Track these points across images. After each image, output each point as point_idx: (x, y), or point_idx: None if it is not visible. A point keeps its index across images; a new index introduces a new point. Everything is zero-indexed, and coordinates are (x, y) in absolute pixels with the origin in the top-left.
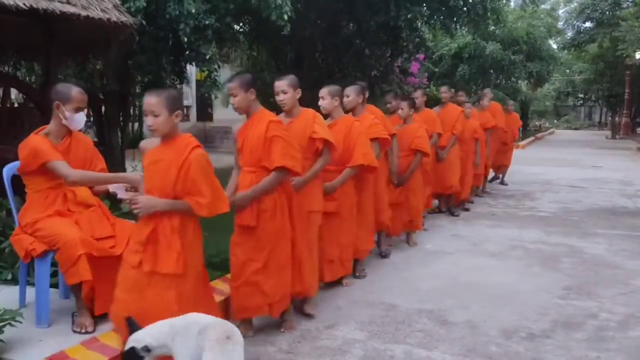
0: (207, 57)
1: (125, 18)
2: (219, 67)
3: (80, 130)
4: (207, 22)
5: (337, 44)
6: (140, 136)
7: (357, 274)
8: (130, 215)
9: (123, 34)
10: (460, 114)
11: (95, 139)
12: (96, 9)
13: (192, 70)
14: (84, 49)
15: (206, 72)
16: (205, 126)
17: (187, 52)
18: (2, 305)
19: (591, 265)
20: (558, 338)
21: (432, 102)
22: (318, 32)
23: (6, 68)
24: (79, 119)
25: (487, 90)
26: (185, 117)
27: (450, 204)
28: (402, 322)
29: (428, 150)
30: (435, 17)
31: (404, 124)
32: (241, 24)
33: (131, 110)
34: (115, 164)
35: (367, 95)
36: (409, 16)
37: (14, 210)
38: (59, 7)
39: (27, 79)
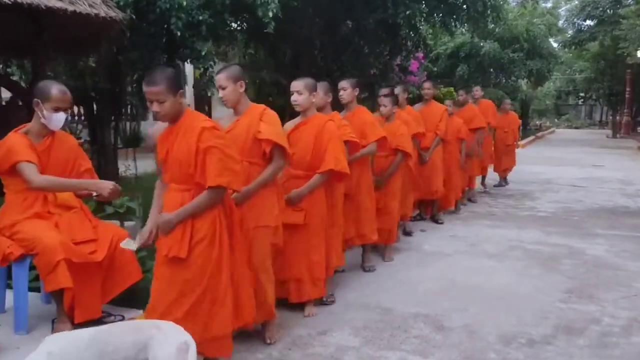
0: (203, 53)
1: (115, 13)
2: (214, 63)
3: (72, 129)
4: (201, 18)
5: (336, 42)
6: (138, 135)
7: (325, 299)
8: (114, 216)
9: (113, 29)
10: (444, 112)
11: (88, 138)
12: (83, 3)
13: (190, 69)
14: (74, 46)
15: (202, 70)
16: None
17: (182, 49)
18: None
19: (592, 267)
20: (559, 344)
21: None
22: (316, 30)
23: None
24: (58, 119)
25: (477, 88)
26: None
27: (435, 210)
28: (398, 327)
29: (410, 150)
30: (435, 14)
31: (385, 121)
32: (238, 22)
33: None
34: (108, 163)
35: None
36: (407, 13)
37: None
38: (44, 1)
39: (22, 77)
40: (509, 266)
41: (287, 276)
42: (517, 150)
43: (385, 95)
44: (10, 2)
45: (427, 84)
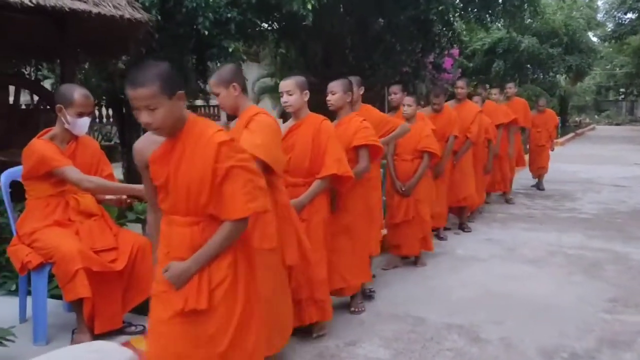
0: (230, 50)
1: (140, 15)
2: (243, 61)
3: (104, 131)
4: (229, 15)
5: (367, 40)
6: None
7: (353, 309)
8: (137, 223)
9: (139, 31)
10: (477, 114)
11: (118, 140)
12: (108, 5)
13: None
14: (101, 49)
15: None
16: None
17: (210, 49)
18: (3, 319)
19: (638, 274)
20: (604, 359)
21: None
22: (347, 28)
23: (27, 69)
24: (82, 124)
25: (510, 85)
26: (216, 117)
27: (463, 218)
28: (430, 338)
29: (438, 151)
30: (469, 9)
31: (407, 122)
32: (269, 22)
33: None
34: (136, 166)
35: (361, 92)
36: (440, 9)
37: (11, 219)
38: (68, 3)
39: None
40: (548, 273)
41: None
42: (556, 149)
43: (408, 94)
44: (32, 4)
45: (460, 82)
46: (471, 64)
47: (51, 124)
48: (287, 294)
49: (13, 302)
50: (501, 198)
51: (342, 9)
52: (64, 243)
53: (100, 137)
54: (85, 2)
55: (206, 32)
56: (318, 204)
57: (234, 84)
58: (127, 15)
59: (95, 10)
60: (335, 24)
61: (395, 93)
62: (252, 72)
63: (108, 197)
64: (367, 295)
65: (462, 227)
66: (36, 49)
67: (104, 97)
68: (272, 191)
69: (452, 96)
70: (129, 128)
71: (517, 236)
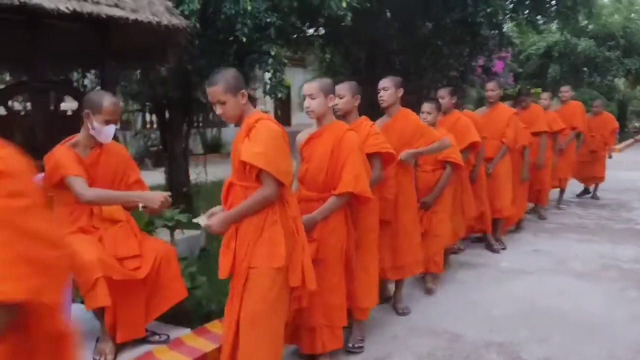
0: (272, 54)
1: (178, 21)
2: (284, 65)
3: (147, 136)
4: (269, 20)
5: (413, 44)
6: (218, 141)
7: (351, 345)
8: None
9: (177, 37)
10: (511, 117)
11: (160, 146)
12: (146, 12)
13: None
14: (141, 55)
15: (271, 74)
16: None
17: (250, 54)
18: None
19: None
20: None
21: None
22: (392, 32)
23: (74, 76)
24: (108, 132)
25: (565, 88)
26: None
27: (497, 232)
28: (467, 356)
29: (461, 161)
30: (519, 11)
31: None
32: (314, 26)
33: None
34: (179, 172)
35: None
36: (488, 11)
37: None
38: (105, 10)
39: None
40: (600, 288)
41: (298, 323)
42: (613, 155)
43: (427, 101)
44: (69, 12)
45: (490, 85)
46: (522, 69)
47: None
48: (283, 316)
49: None
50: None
51: (387, 13)
52: (84, 251)
53: (146, 142)
54: (123, 9)
55: (244, 39)
56: (334, 223)
57: (242, 91)
58: (164, 22)
59: (133, 16)
60: (380, 27)
61: (442, 97)
62: (298, 78)
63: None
64: (401, 313)
65: (492, 247)
66: (81, 56)
67: (147, 104)
68: (280, 204)
69: (507, 99)
70: (171, 134)
71: (567, 248)
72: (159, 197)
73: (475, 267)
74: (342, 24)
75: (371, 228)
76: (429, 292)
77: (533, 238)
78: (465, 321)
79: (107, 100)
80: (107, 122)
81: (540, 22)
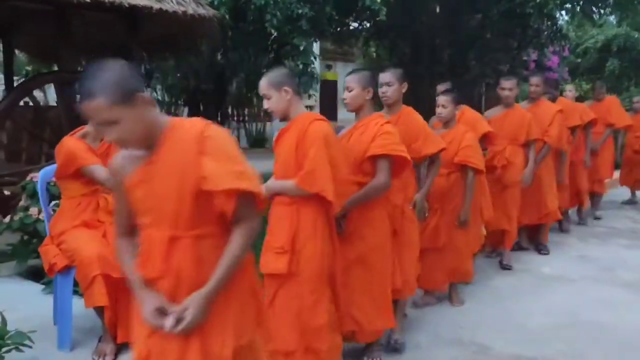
0: (301, 48)
1: (205, 11)
2: (315, 58)
3: None
4: (300, 11)
5: (460, 37)
6: (263, 135)
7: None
8: None
9: (206, 28)
10: (556, 114)
11: None
12: (171, 1)
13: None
14: (169, 46)
15: (301, 67)
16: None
17: (282, 47)
18: (37, 320)
19: None
20: None
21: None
22: (437, 25)
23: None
24: None
25: (599, 84)
26: None
27: (541, 237)
28: None
29: (481, 164)
30: (574, 2)
31: (442, 128)
32: (357, 20)
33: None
34: None
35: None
36: (538, 1)
37: (45, 218)
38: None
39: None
40: None
41: (271, 347)
42: None
43: (443, 93)
44: (89, 1)
45: (534, 79)
46: (580, 62)
47: None
48: None
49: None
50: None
51: (432, 6)
52: (85, 247)
53: None
54: None
55: (273, 31)
56: (307, 232)
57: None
58: (190, 11)
59: (157, 6)
60: (425, 21)
61: (503, 89)
62: (348, 71)
63: None
64: (393, 347)
65: (540, 249)
66: (108, 47)
67: (181, 96)
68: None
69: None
70: None
71: (616, 254)
72: None
73: (514, 273)
74: (378, 18)
75: (377, 244)
76: (459, 303)
77: (580, 243)
78: (495, 332)
79: None
80: None
81: (597, 14)
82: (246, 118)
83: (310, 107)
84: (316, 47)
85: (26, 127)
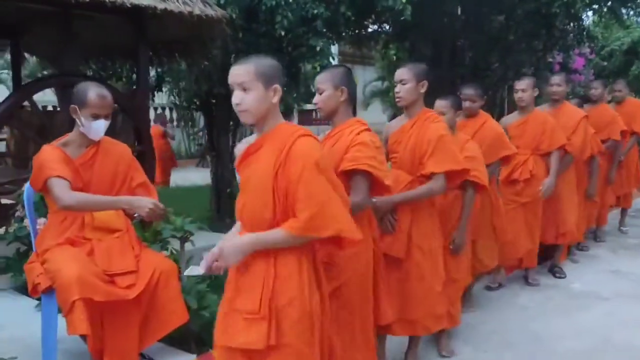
0: (317, 49)
1: (213, 12)
2: (332, 59)
3: (194, 135)
4: (315, 12)
5: (482, 39)
6: None
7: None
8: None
9: (214, 29)
10: (581, 121)
11: (208, 144)
12: (177, 1)
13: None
14: (179, 49)
15: (317, 69)
16: None
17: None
18: (26, 340)
19: None
20: None
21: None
22: (460, 25)
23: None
24: (97, 128)
25: (620, 83)
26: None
27: (555, 259)
28: None
29: (485, 179)
30: (601, 2)
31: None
32: (376, 22)
33: None
34: (224, 171)
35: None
36: (564, 1)
37: (32, 234)
38: None
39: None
40: None
41: None
42: None
43: (443, 98)
44: (88, 0)
45: (556, 77)
46: (606, 64)
47: (127, 127)
48: None
49: None
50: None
51: (453, 6)
52: (65, 267)
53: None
54: None
55: (283, 33)
56: (296, 279)
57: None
58: (196, 12)
59: (161, 5)
60: (446, 22)
61: (517, 90)
62: (365, 76)
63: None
64: None
65: (555, 272)
66: (115, 50)
67: (194, 100)
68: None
69: (586, 99)
70: (218, 131)
71: None
72: (148, 204)
73: (541, 290)
74: (402, 18)
75: (354, 273)
76: (444, 353)
77: (612, 256)
78: (521, 356)
79: (92, 92)
80: (95, 117)
81: (625, 15)
82: (235, 123)
83: None
84: (334, 50)
85: (31, 132)
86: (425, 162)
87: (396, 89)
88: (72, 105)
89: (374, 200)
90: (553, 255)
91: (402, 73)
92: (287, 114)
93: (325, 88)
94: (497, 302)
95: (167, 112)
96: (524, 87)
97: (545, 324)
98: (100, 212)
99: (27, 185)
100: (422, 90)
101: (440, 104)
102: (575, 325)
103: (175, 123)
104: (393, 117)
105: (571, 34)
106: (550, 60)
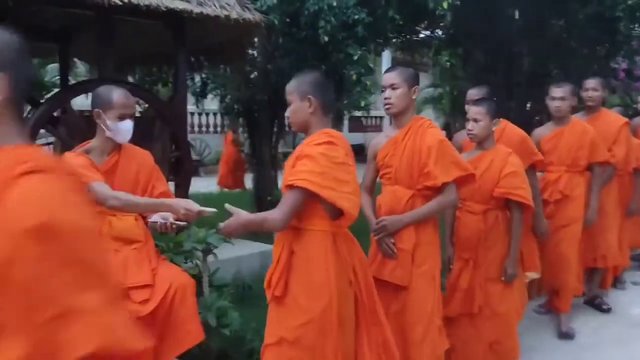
0: (355, 57)
1: (251, 15)
2: (371, 69)
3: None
4: (356, 17)
5: (541, 44)
6: None
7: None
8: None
9: (252, 34)
10: (622, 128)
11: (250, 151)
12: (214, 5)
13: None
14: (218, 54)
15: (355, 77)
16: None
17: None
18: None
19: None
20: None
21: None
22: (517, 30)
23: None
24: (125, 128)
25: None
26: (378, 128)
27: (593, 285)
28: None
29: (530, 199)
30: None
31: (476, 149)
32: (430, 29)
33: None
34: (265, 179)
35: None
36: (629, 3)
37: None
38: (166, 3)
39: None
40: None
41: None
42: None
43: (475, 102)
44: (120, 3)
45: (590, 82)
46: None
47: (165, 136)
48: None
49: None
50: None
51: (510, 11)
52: None
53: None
54: (188, 1)
55: (326, 38)
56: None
57: (310, 96)
58: (234, 16)
59: (197, 9)
60: (503, 27)
61: (554, 98)
62: (422, 82)
63: (151, 220)
64: None
65: (597, 303)
66: (154, 55)
67: (235, 107)
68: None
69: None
70: (259, 138)
71: None
72: (184, 205)
73: (596, 315)
74: (442, 23)
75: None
76: None
77: None
78: None
79: (116, 92)
80: (122, 117)
81: None
82: (278, 129)
83: (381, 118)
84: (386, 56)
85: (77, 137)
86: (431, 171)
87: (385, 94)
88: (95, 110)
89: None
90: (591, 284)
91: (392, 77)
92: (337, 121)
93: (293, 99)
94: (546, 329)
95: (214, 118)
96: (594, 86)
97: (599, 354)
98: (119, 222)
99: None
100: (414, 97)
101: (474, 110)
102: (632, 355)
103: (217, 129)
104: (446, 126)
105: (636, 39)
106: (615, 66)
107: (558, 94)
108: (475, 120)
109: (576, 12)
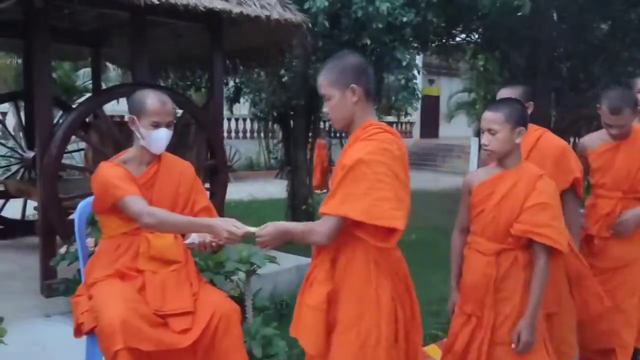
0: (404, 63)
1: (292, 16)
2: (418, 72)
3: (268, 146)
4: (405, 19)
5: (584, 48)
6: None
7: None
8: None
9: (293, 35)
10: None
11: (284, 158)
12: (254, 5)
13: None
14: (256, 57)
15: (403, 81)
16: (429, 144)
17: (383, 59)
18: None
19: None
20: None
21: None
22: (559, 33)
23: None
24: (159, 138)
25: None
26: (408, 134)
27: None
28: None
29: (562, 239)
30: None
31: (496, 166)
32: (466, 32)
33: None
34: (300, 186)
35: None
36: None
37: (81, 262)
38: (205, 3)
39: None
40: None
41: None
42: None
43: (490, 108)
44: (158, 2)
45: (613, 92)
46: None
47: (201, 142)
48: None
49: None
50: None
51: (553, 13)
52: (109, 308)
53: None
54: (227, 1)
55: (368, 42)
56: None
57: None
58: (275, 16)
59: (237, 9)
60: (544, 29)
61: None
62: (450, 87)
63: (187, 241)
64: None
65: None
66: (190, 57)
67: (271, 112)
68: None
69: None
70: (295, 144)
71: None
72: (227, 227)
73: None
74: (480, 29)
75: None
76: None
77: None
78: None
79: (151, 97)
80: (156, 125)
81: None
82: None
83: (410, 123)
84: (419, 60)
85: (110, 143)
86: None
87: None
88: (130, 116)
89: None
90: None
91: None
92: None
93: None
94: None
95: (243, 123)
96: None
97: None
98: (158, 239)
99: (80, 207)
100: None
101: (488, 117)
102: None
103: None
104: (479, 131)
105: None
106: None
107: (613, 95)
108: (491, 132)
109: (622, 15)
